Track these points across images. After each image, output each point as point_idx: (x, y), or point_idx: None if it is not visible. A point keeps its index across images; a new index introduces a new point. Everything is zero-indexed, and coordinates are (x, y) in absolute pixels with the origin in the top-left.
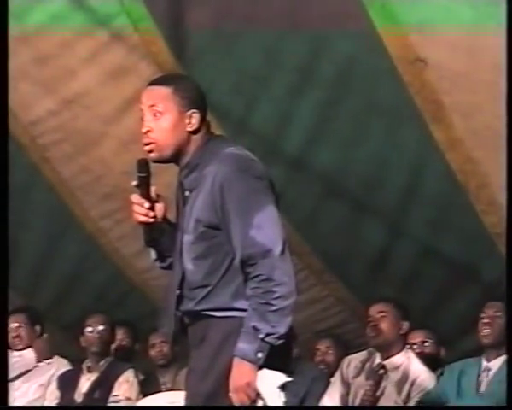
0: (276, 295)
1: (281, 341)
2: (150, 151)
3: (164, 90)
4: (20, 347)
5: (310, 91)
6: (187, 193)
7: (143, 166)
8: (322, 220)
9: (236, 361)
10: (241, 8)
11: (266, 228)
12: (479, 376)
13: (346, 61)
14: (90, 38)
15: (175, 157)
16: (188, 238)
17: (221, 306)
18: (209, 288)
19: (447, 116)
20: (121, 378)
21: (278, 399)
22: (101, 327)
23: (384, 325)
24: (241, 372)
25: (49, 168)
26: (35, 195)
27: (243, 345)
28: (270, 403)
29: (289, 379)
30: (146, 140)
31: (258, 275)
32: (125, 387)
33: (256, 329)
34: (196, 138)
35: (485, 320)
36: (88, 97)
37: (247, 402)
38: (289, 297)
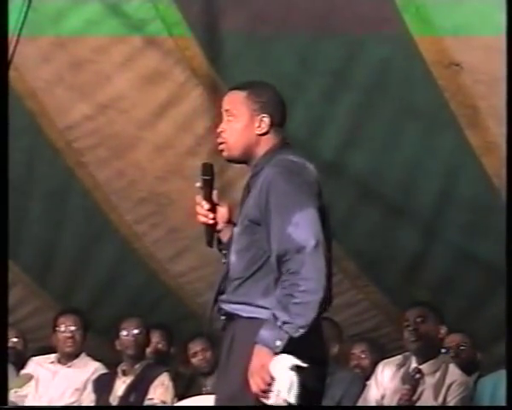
0: (301, 288)
1: (300, 332)
2: (222, 150)
3: (239, 95)
4: (70, 350)
5: (344, 95)
6: (249, 193)
7: (208, 169)
8: (357, 224)
9: (256, 347)
10: (276, 12)
11: (302, 226)
12: None
13: (381, 66)
14: (125, 43)
15: (244, 157)
16: (236, 230)
17: (248, 301)
18: (241, 280)
19: (483, 120)
20: (156, 382)
21: (289, 381)
22: (136, 331)
23: (423, 330)
24: (259, 357)
25: (85, 173)
26: (71, 199)
27: (264, 332)
28: (281, 385)
29: (303, 364)
30: (219, 140)
31: (288, 269)
32: (160, 390)
33: (275, 317)
34: (266, 142)
35: None
36: (123, 102)
37: (261, 386)
38: (315, 293)
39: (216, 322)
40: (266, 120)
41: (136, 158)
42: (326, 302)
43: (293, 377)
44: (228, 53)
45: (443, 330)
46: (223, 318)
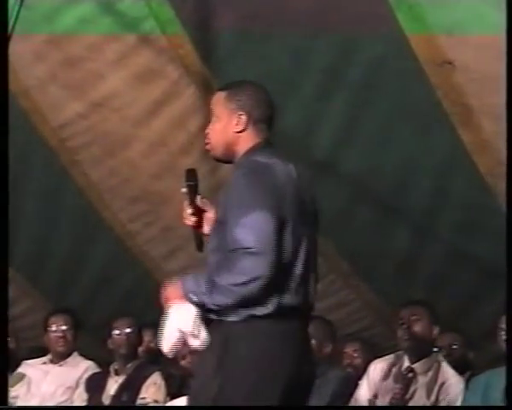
0: (223, 274)
1: (211, 307)
2: (208, 151)
3: (220, 95)
4: (62, 349)
5: (338, 94)
6: None
7: (191, 174)
8: (350, 223)
9: (180, 282)
10: (269, 10)
11: (248, 229)
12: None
13: (374, 64)
14: (119, 42)
15: (226, 157)
16: (211, 230)
17: (218, 302)
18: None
19: (476, 119)
20: (149, 381)
21: (169, 331)
22: (128, 330)
23: (417, 329)
24: (175, 289)
25: (78, 171)
26: (64, 197)
27: (191, 280)
28: (166, 328)
29: (187, 329)
30: (206, 140)
31: (230, 259)
32: (152, 390)
33: (197, 281)
34: (245, 141)
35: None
36: (116, 100)
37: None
38: (234, 284)
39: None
40: (243, 117)
41: (129, 156)
42: (251, 303)
43: (175, 332)
44: (221, 51)
45: (436, 329)
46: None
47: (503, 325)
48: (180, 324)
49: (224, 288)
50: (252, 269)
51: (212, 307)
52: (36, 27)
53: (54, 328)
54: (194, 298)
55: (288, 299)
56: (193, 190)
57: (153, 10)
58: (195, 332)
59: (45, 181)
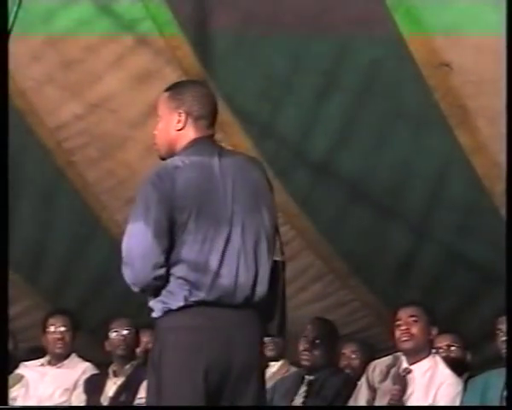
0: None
1: None
2: (157, 151)
3: (163, 95)
4: (60, 351)
5: (335, 96)
6: None
7: None
8: (348, 224)
9: None
10: (267, 12)
11: (127, 237)
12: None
13: (371, 66)
14: (116, 43)
15: (170, 155)
16: None
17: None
18: None
19: (472, 121)
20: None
21: None
22: (125, 331)
23: (415, 330)
24: None
25: (75, 172)
26: (61, 199)
27: None
28: None
29: None
30: (154, 141)
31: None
32: None
33: None
34: (184, 138)
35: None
36: (113, 101)
37: None
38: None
39: None
40: (182, 115)
41: (126, 158)
42: None
43: None
44: (218, 52)
45: (434, 331)
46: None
47: (502, 326)
48: None
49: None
50: (126, 276)
51: None
52: (33, 28)
53: (52, 329)
54: None
55: (203, 293)
56: None
57: (150, 11)
58: None
59: (42, 182)
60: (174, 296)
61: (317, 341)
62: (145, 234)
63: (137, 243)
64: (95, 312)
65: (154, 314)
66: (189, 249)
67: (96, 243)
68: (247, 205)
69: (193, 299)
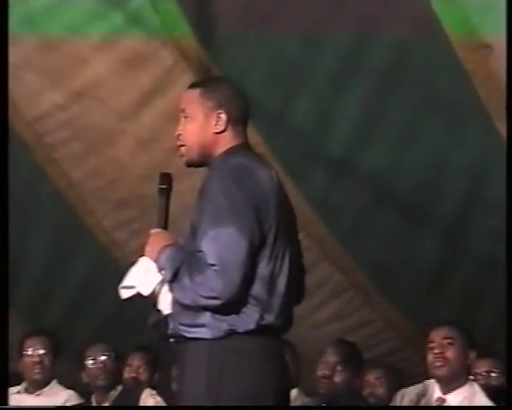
0: (187, 274)
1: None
2: (182, 155)
3: (192, 93)
4: (39, 376)
5: (356, 83)
6: None
7: (165, 178)
8: (371, 232)
9: (159, 245)
10: None
11: (214, 244)
12: None
13: (399, 48)
14: (104, 21)
15: (202, 160)
16: (181, 242)
17: (187, 322)
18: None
19: None
20: (143, 396)
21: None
22: (103, 357)
23: (450, 354)
24: (154, 244)
25: (57, 171)
26: (40, 201)
27: (167, 253)
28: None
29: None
30: (178, 143)
31: (198, 263)
32: (151, 401)
33: (170, 261)
34: (224, 142)
35: None
36: (100, 89)
37: None
38: (193, 291)
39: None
40: (223, 116)
41: (115, 154)
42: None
43: (131, 287)
44: (222, 33)
45: (472, 354)
46: (172, 339)
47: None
48: (138, 283)
49: (184, 288)
50: (210, 287)
51: (174, 296)
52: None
53: (30, 352)
54: (163, 273)
55: (271, 316)
56: (165, 196)
57: None
58: (154, 299)
59: (18, 182)
60: (244, 317)
61: (339, 366)
62: (238, 241)
63: (231, 250)
64: (78, 332)
65: (206, 334)
66: (264, 266)
67: (81, 252)
68: (292, 226)
69: (263, 323)
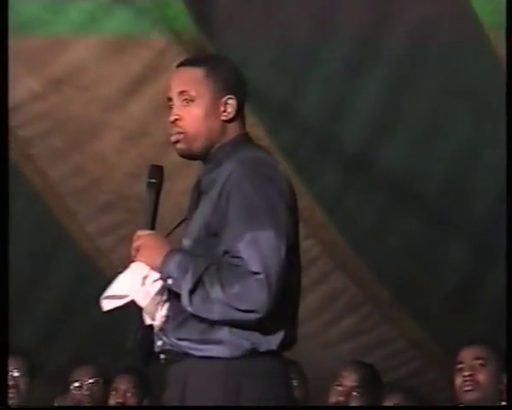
0: (216, 286)
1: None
2: (177, 141)
3: (195, 73)
4: (13, 401)
5: (373, 68)
6: (201, 194)
7: (155, 171)
8: (390, 238)
9: (163, 249)
10: None
11: (255, 249)
12: None
13: (421, 29)
14: None
15: (205, 150)
16: (185, 243)
17: (196, 337)
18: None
19: None
20: None
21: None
22: (90, 380)
23: (482, 376)
24: (150, 249)
25: (33, 169)
26: (14, 203)
27: (175, 261)
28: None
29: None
30: (174, 130)
31: (230, 272)
32: None
33: (183, 270)
34: (230, 131)
35: None
36: (83, 76)
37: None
38: (226, 304)
39: (147, 360)
40: (233, 102)
41: (100, 150)
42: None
43: (123, 297)
44: (221, 11)
45: (506, 377)
46: (163, 357)
47: None
48: (133, 292)
49: (211, 300)
50: (251, 299)
51: (190, 309)
52: None
53: None
54: (170, 282)
55: (292, 335)
56: (155, 191)
57: None
58: (149, 311)
59: None
60: (267, 335)
61: (355, 392)
62: (278, 245)
63: (272, 256)
64: (60, 352)
65: (222, 353)
66: (291, 277)
67: (61, 261)
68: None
69: (288, 341)
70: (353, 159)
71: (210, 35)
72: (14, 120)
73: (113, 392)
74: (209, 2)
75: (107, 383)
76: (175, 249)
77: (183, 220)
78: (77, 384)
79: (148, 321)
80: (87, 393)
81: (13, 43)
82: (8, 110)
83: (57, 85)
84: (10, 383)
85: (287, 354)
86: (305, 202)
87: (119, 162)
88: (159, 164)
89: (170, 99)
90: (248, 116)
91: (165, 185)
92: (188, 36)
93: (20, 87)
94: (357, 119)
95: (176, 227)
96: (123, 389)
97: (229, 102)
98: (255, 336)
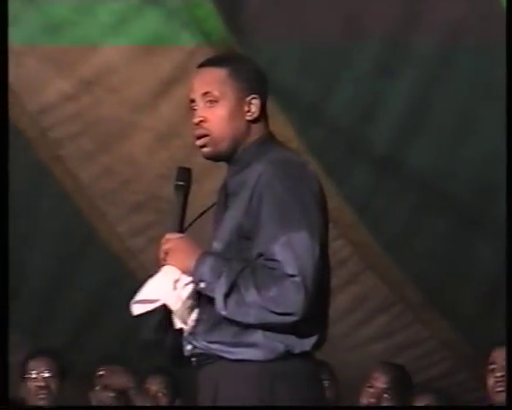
0: (251, 289)
1: (219, 311)
2: (203, 146)
3: (218, 73)
4: (44, 402)
5: (402, 69)
6: (229, 197)
7: (183, 173)
8: (421, 239)
9: (194, 254)
10: None
11: (290, 252)
12: None
13: (451, 29)
14: (117, 0)
15: (231, 152)
16: (216, 246)
17: (229, 340)
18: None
19: None
20: None
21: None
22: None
23: None
24: (181, 252)
25: (63, 170)
26: (44, 204)
27: (208, 264)
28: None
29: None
30: (199, 132)
31: (266, 275)
32: None
33: (216, 274)
34: (255, 130)
35: None
36: (113, 78)
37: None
38: (263, 307)
39: (179, 363)
40: (257, 101)
41: (130, 151)
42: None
43: (153, 301)
44: (250, 12)
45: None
46: (194, 359)
47: None
48: (164, 296)
49: (246, 303)
50: (288, 301)
51: (224, 313)
52: None
53: (33, 375)
54: (203, 286)
55: (324, 334)
56: (182, 194)
57: None
58: (179, 315)
59: (20, 184)
60: (301, 337)
61: (386, 394)
62: (312, 246)
63: (307, 257)
64: (90, 353)
65: (256, 356)
66: (324, 277)
67: (90, 262)
68: None
69: (320, 342)
70: (383, 159)
71: (239, 36)
72: (44, 121)
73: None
74: (238, 4)
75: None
76: (207, 253)
77: (202, 213)
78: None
79: (178, 325)
80: (112, 395)
81: (43, 46)
82: (8, 108)
83: (87, 87)
84: (41, 384)
85: (318, 355)
86: (334, 202)
87: (148, 163)
88: (187, 166)
89: (193, 101)
90: (277, 116)
91: (195, 187)
92: (217, 37)
93: (51, 89)
94: (387, 119)
95: (195, 220)
96: (154, 390)
97: (253, 101)
98: (289, 339)
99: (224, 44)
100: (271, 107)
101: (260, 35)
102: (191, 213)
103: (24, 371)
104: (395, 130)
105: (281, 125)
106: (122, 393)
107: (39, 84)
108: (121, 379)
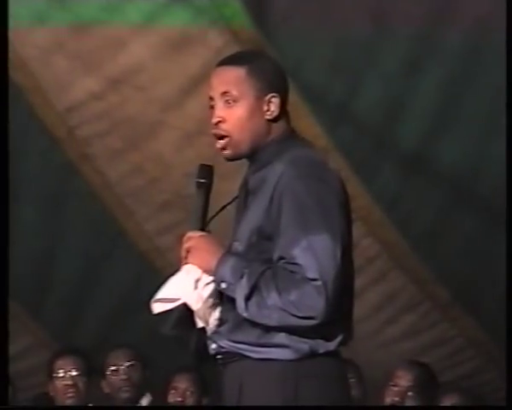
0: (272, 292)
1: (240, 312)
2: (223, 148)
3: (236, 72)
4: (72, 401)
5: (430, 66)
6: (249, 194)
7: (205, 171)
8: (449, 237)
9: (216, 255)
10: None
11: (311, 255)
12: None
13: (479, 26)
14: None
15: (251, 151)
16: (237, 247)
17: (254, 340)
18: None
19: None
20: None
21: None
22: (127, 363)
23: None
24: (203, 251)
25: (91, 168)
26: (72, 203)
27: (229, 265)
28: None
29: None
30: (218, 132)
31: (286, 277)
32: None
33: (238, 275)
34: (276, 129)
35: None
36: (141, 76)
37: (183, 254)
38: (283, 310)
39: (203, 361)
40: (276, 100)
41: (157, 149)
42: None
43: (173, 300)
44: (277, 10)
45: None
46: (219, 357)
47: None
48: (185, 295)
49: (268, 306)
50: (309, 305)
51: (245, 315)
52: None
53: (61, 374)
54: (224, 286)
55: (349, 336)
56: (204, 192)
57: None
58: (201, 315)
59: (48, 183)
60: (326, 338)
61: (411, 392)
62: (333, 249)
63: (329, 261)
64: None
65: (282, 355)
66: (346, 277)
67: (119, 261)
68: None
69: (345, 341)
70: (411, 157)
71: (267, 34)
72: (72, 120)
73: (173, 391)
74: (266, 1)
75: (145, 367)
76: (228, 253)
77: (223, 207)
78: (113, 368)
79: (200, 324)
80: (124, 377)
81: (71, 44)
82: (8, 108)
83: (115, 85)
84: (69, 382)
85: (344, 354)
86: (363, 201)
87: (176, 162)
88: (210, 164)
89: (212, 98)
90: (305, 115)
91: (223, 185)
92: (245, 35)
93: (78, 87)
94: (415, 117)
95: (215, 215)
96: (182, 388)
97: (273, 100)
98: (314, 340)
99: (252, 42)
100: (300, 104)
101: (288, 33)
102: (224, 213)
103: (51, 369)
104: (423, 127)
105: (309, 124)
106: None
107: (67, 83)
108: None
